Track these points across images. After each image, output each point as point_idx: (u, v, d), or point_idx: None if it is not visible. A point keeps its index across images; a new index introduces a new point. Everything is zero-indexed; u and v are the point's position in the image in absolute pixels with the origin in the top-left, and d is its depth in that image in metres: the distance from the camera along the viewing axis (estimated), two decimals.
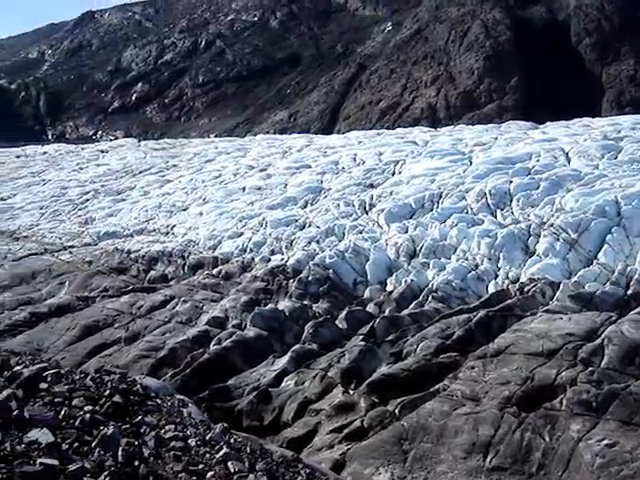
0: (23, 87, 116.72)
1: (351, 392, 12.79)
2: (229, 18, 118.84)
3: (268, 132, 71.81)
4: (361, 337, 14.91)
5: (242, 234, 22.52)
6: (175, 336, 16.30)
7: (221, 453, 5.98)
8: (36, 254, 23.57)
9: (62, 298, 19.31)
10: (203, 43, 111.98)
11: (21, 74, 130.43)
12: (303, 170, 30.01)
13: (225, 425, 6.90)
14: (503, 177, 23.05)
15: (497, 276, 17.72)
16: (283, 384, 13.84)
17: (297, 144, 38.68)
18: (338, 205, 23.63)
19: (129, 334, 16.70)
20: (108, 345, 16.31)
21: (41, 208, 30.33)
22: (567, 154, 25.39)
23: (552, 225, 18.76)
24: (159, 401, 6.18)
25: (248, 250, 21.15)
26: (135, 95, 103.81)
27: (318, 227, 21.95)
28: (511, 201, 21.29)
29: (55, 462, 4.50)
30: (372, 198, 23.89)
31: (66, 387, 5.76)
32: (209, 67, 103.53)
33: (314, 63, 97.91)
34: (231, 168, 33.22)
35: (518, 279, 17.27)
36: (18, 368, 6.12)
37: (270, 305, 17.28)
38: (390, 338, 14.67)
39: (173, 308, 17.92)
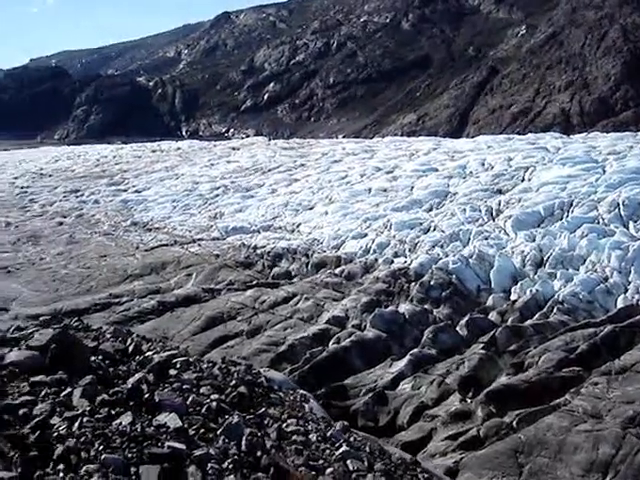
0: (160, 85, 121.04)
1: (468, 400, 12.60)
2: (361, 20, 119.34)
3: (396, 134, 71.67)
4: (482, 345, 14.64)
5: (366, 235, 22.55)
6: (295, 332, 16.45)
7: (341, 450, 6.03)
8: (166, 245, 24.41)
9: (189, 289, 19.85)
10: (335, 44, 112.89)
11: (159, 72, 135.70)
12: (430, 173, 29.80)
13: (345, 423, 6.96)
14: (637, 188, 22.14)
15: (627, 290, 17.01)
16: (400, 387, 13.76)
17: (425, 147, 38.44)
18: (464, 210, 23.32)
19: (251, 327, 16.97)
20: (230, 337, 16.64)
21: (173, 201, 31.37)
22: None
23: None
24: (282, 395, 6.30)
25: (371, 251, 21.16)
26: (267, 95, 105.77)
27: (443, 231, 21.72)
28: None
29: (182, 446, 4.66)
30: (499, 204, 23.46)
31: (194, 375, 5.96)
32: (340, 68, 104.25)
33: (445, 66, 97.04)
34: (358, 169, 33.34)
35: None
36: (149, 354, 6.38)
37: (391, 307, 17.19)
38: (512, 348, 14.35)
39: (295, 305, 18.10)
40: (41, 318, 14.16)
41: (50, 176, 43.58)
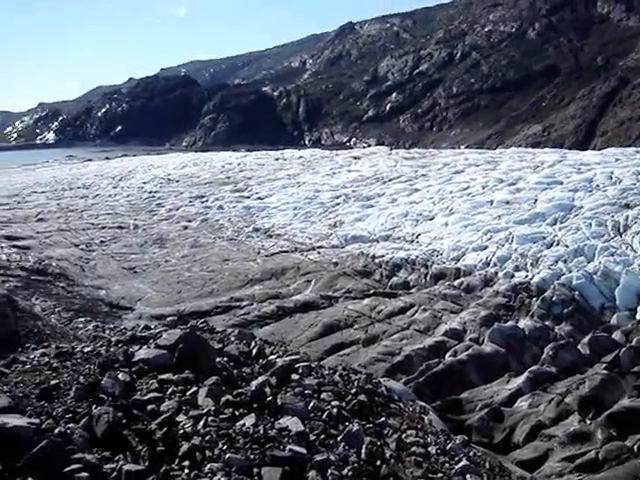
0: (285, 94, 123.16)
1: (588, 421, 12.17)
2: (486, 29, 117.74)
3: (520, 145, 70.27)
4: (604, 365, 14.12)
5: (486, 247, 22.16)
6: (412, 343, 16.34)
7: (460, 465, 5.95)
8: (287, 252, 24.74)
9: (308, 295, 20.04)
10: (459, 54, 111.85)
11: (284, 82, 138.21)
12: (554, 186, 29.02)
13: (465, 437, 6.85)
14: None
15: None
16: (516, 404, 13.44)
17: (550, 159, 37.49)
18: (590, 224, 22.57)
19: (367, 336, 16.97)
20: (346, 345, 16.69)
21: (294, 209, 31.76)
22: None
23: None
24: (402, 405, 6.27)
25: (492, 264, 20.77)
26: (389, 104, 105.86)
27: (566, 246, 21.09)
28: None
29: (303, 450, 4.71)
30: (627, 219, 22.58)
31: (315, 381, 6.01)
32: (463, 78, 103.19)
33: (572, 76, 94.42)
34: (480, 180, 32.87)
35: None
36: (272, 357, 6.49)
37: (510, 322, 16.82)
38: (636, 369, 13.78)
39: (412, 315, 17.98)
40: (168, 318, 14.65)
41: (177, 182, 45.00)
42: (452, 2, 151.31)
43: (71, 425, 4.63)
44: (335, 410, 5.37)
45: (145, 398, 5.11)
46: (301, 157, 55.04)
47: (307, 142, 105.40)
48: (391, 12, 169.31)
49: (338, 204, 31.84)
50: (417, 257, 22.08)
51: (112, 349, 6.18)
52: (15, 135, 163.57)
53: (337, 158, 51.60)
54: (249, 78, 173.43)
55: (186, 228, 30.09)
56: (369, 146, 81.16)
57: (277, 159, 54.57)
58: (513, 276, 19.73)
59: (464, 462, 6.04)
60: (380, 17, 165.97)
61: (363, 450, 5.09)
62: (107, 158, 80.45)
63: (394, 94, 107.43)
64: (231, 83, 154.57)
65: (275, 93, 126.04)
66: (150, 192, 40.85)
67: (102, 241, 27.79)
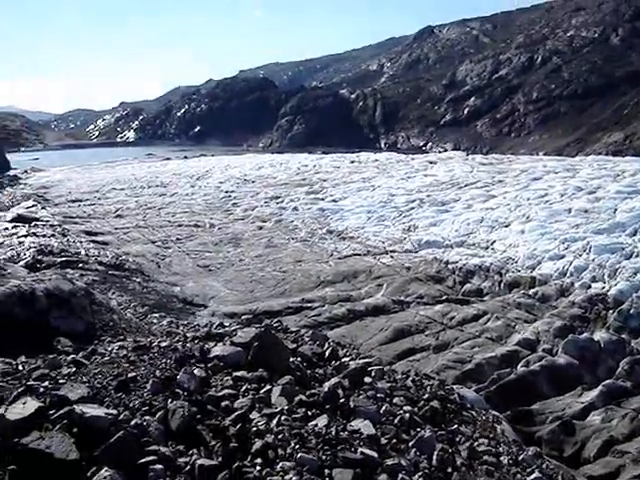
0: (362, 97, 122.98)
1: None
2: (568, 34, 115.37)
3: (600, 153, 68.53)
4: None
5: (563, 257, 21.74)
6: (483, 351, 16.14)
7: (532, 477, 5.85)
8: (359, 255, 24.74)
9: (379, 299, 20.00)
10: (539, 59, 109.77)
11: (361, 85, 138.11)
12: (635, 196, 28.28)
13: (538, 449, 6.74)
14: None
15: None
16: (589, 418, 13.15)
17: (631, 168, 36.58)
18: None
19: (438, 343, 16.85)
20: (417, 350, 16.59)
21: (368, 212, 31.74)
22: None
23: None
24: (474, 413, 6.21)
25: (568, 274, 20.36)
26: (467, 109, 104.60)
27: None
28: None
29: (374, 454, 4.72)
30: None
31: (388, 385, 6.00)
32: (543, 84, 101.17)
33: None
34: (558, 188, 32.29)
35: None
36: (345, 360, 6.51)
37: (585, 334, 16.46)
38: None
39: (485, 323, 17.78)
40: (244, 317, 14.82)
41: (253, 182, 45.48)
42: (533, 6, 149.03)
43: (147, 417, 4.74)
44: (407, 415, 5.35)
45: (219, 394, 5.19)
46: (376, 160, 54.99)
47: (383, 145, 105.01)
48: (471, 16, 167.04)
49: (412, 208, 31.69)
50: (491, 264, 21.82)
51: (188, 345, 6.30)
52: (97, 133, 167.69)
53: (413, 162, 51.42)
54: (327, 81, 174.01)
55: (261, 228, 30.39)
56: (445, 151, 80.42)
57: (352, 162, 54.64)
58: (590, 287, 19.31)
59: (536, 474, 5.94)
60: (460, 21, 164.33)
61: (434, 456, 5.06)
62: (185, 157, 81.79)
63: (472, 99, 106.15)
64: (309, 86, 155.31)
65: (352, 96, 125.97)
66: (226, 192, 41.39)
67: (178, 239, 28.30)
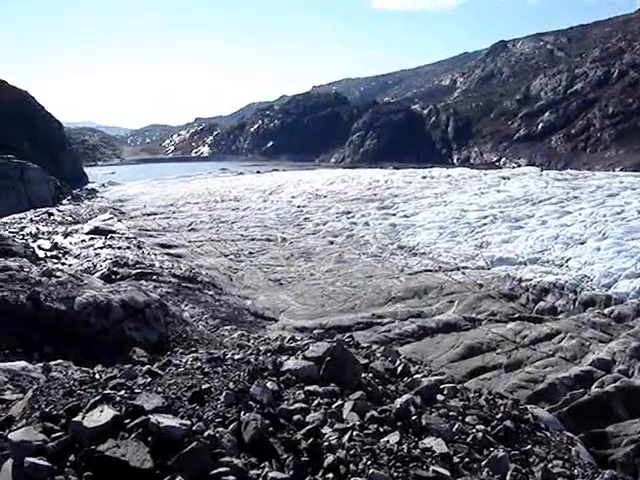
0: (434, 112, 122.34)
1: None
2: None
3: None
4: None
5: None
6: (556, 371, 15.85)
7: None
8: (430, 271, 24.59)
9: (450, 316, 19.84)
10: (616, 73, 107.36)
11: (433, 100, 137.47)
12: None
13: (614, 473, 6.57)
14: None
15: None
16: None
17: None
18: None
19: (510, 361, 16.62)
20: (488, 369, 16.41)
21: (440, 228, 31.55)
22: None
23: None
24: (548, 434, 6.09)
25: None
26: (541, 124, 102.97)
27: None
28: None
29: (446, 472, 4.67)
30: None
31: (460, 403, 5.95)
32: (620, 98, 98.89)
33: None
34: (635, 204, 31.57)
35: None
36: (417, 376, 6.48)
37: None
38: None
39: (558, 342, 17.46)
40: (315, 331, 14.85)
41: (325, 197, 45.69)
42: (609, 19, 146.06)
43: (220, 429, 4.79)
44: (480, 434, 5.28)
45: (292, 408, 5.21)
46: (449, 176, 54.74)
47: (455, 161, 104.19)
48: (545, 30, 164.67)
49: (485, 224, 31.38)
50: (566, 282, 21.43)
51: (261, 358, 6.36)
52: (172, 148, 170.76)
53: (486, 178, 51.00)
54: (399, 96, 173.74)
55: (332, 243, 30.48)
56: (519, 166, 79.38)
57: (424, 177, 54.47)
58: None
59: None
60: (534, 35, 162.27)
61: (508, 477, 4.98)
62: (258, 172, 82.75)
63: (547, 113, 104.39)
64: (381, 101, 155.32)
65: (424, 111, 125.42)
66: (298, 206, 41.68)
67: (250, 252, 28.61)
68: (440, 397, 5.93)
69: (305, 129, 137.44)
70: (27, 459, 4.33)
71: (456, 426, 5.29)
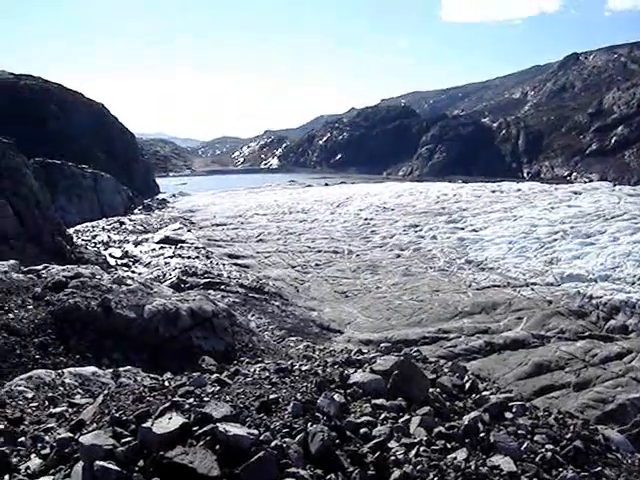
0: (504, 126, 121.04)
1: None
2: None
3: None
4: None
5: None
6: (627, 392, 15.52)
7: None
8: (499, 286, 24.32)
9: (518, 333, 19.60)
10: None
11: (503, 113, 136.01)
12: None
13: None
14: None
15: None
16: None
17: None
18: None
19: (579, 380, 16.34)
20: (556, 387, 16.17)
21: (509, 243, 31.19)
22: None
23: None
24: (619, 456, 5.95)
25: None
26: (614, 138, 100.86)
27: None
28: None
29: None
30: None
31: (529, 421, 5.85)
32: None
33: None
34: None
35: None
36: (486, 393, 6.41)
37: None
38: None
39: (629, 362, 17.08)
40: (382, 345, 14.85)
41: (392, 210, 45.62)
42: None
43: (287, 440, 4.81)
44: (549, 454, 5.19)
45: (358, 421, 5.21)
46: (519, 190, 54.15)
47: (525, 175, 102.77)
48: (619, 42, 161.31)
49: (555, 240, 30.89)
50: (638, 300, 20.99)
51: (328, 370, 6.38)
52: (242, 160, 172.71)
53: (556, 192, 50.28)
54: (468, 109, 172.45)
55: (398, 256, 30.41)
56: (591, 181, 77.93)
57: (494, 191, 53.98)
58: None
59: None
60: (607, 47, 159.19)
61: None
62: (326, 184, 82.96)
63: (620, 127, 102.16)
64: (450, 114, 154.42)
65: (494, 125, 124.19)
66: (365, 219, 41.72)
67: (317, 264, 28.73)
68: (509, 415, 5.86)
69: (373, 142, 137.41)
70: (97, 462, 4.43)
71: (525, 445, 5.22)
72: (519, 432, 5.51)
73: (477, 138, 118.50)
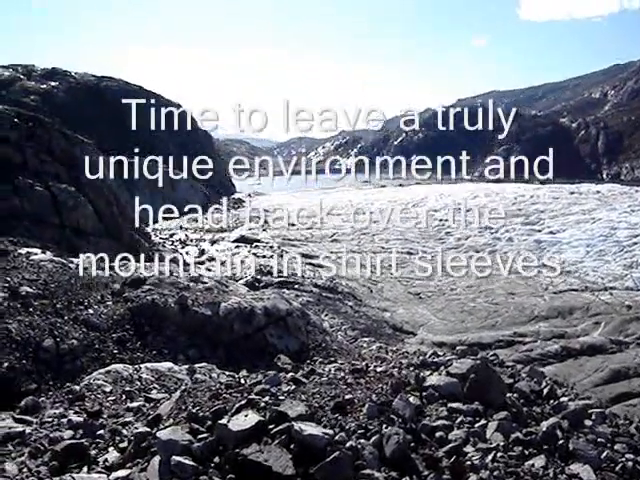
0: (583, 126, 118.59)
1: None
2: None
3: None
4: None
5: None
6: None
7: None
8: (576, 290, 23.85)
9: (595, 338, 19.21)
10: None
11: (582, 113, 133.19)
12: None
13: None
14: None
15: None
16: None
17: None
18: None
19: None
20: (634, 395, 15.79)
21: (587, 246, 30.57)
22: None
23: None
24: None
25: None
26: None
27: None
28: None
29: None
30: None
31: (609, 430, 5.74)
32: None
33: None
34: None
35: None
36: (564, 400, 6.30)
37: None
38: None
39: None
40: (458, 348, 14.75)
41: (467, 211, 45.12)
42: None
43: (362, 441, 4.82)
44: (630, 463, 5.07)
45: (434, 424, 5.18)
46: (598, 192, 53.00)
47: (605, 176, 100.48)
48: None
49: (636, 244, 30.13)
50: None
51: (404, 371, 6.35)
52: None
53: (637, 195, 48.99)
54: (547, 109, 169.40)
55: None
56: None
57: (572, 193, 52.96)
58: None
59: None
60: None
61: None
62: (401, 185, 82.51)
63: None
64: (528, 114, 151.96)
65: (573, 125, 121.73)
66: (440, 220, 41.42)
67: (390, 265, 28.63)
68: (588, 422, 5.75)
69: (449, 142, 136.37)
70: (174, 457, 4.53)
71: (605, 453, 5.11)
72: (599, 440, 5.41)
73: (555, 138, 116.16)
